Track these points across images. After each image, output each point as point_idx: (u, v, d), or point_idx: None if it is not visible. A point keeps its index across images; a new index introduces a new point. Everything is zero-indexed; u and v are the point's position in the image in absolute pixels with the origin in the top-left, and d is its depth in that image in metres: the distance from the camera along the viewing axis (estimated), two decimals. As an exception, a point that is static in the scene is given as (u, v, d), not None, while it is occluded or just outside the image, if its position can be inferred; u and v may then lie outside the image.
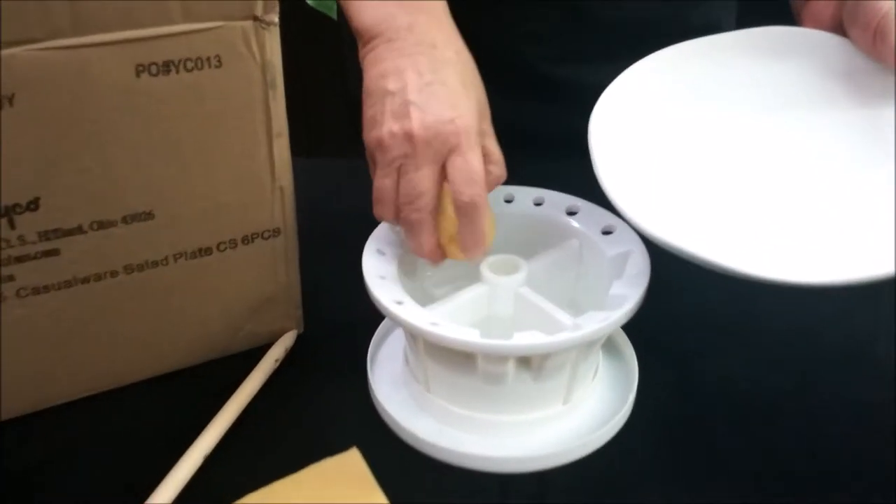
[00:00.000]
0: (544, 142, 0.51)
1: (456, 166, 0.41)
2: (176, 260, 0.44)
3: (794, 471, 0.43)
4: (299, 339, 0.51)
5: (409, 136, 0.41)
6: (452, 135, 0.40)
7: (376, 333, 0.51)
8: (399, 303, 0.43)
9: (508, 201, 0.51)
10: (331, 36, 0.73)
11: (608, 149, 0.45)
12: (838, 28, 0.47)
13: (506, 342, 0.40)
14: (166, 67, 0.38)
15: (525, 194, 0.52)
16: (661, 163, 0.46)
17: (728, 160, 0.46)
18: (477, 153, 0.41)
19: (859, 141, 0.44)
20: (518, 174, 0.52)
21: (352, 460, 0.42)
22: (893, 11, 0.42)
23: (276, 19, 0.39)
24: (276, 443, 0.45)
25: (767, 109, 0.47)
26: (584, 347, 0.43)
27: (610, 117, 0.47)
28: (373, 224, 0.48)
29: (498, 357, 0.41)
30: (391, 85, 0.41)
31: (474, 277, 0.47)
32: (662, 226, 0.41)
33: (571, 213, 0.50)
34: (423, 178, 0.41)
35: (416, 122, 0.40)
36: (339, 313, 0.52)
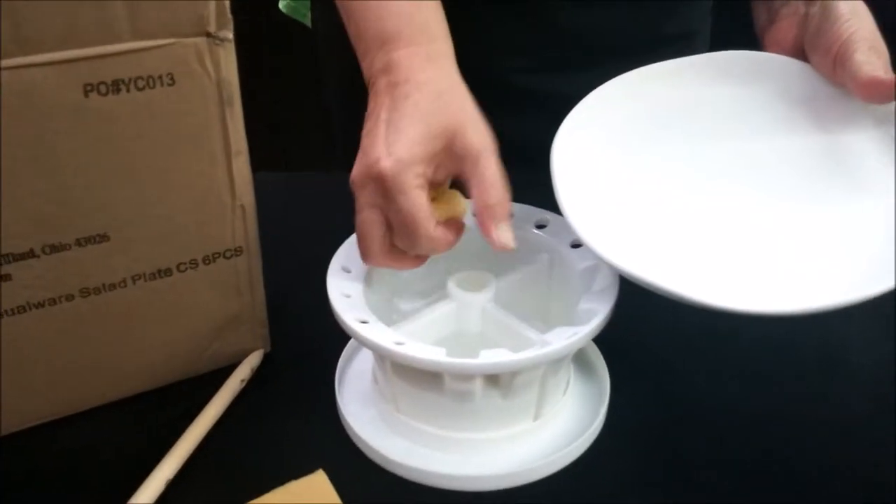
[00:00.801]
0: (516, 153, 0.51)
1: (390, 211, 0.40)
2: (134, 282, 0.43)
3: (766, 482, 0.43)
4: (266, 359, 0.50)
5: (351, 182, 0.40)
6: (378, 178, 0.39)
7: (344, 351, 0.50)
8: (364, 322, 0.42)
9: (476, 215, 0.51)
10: (306, 48, 0.72)
11: (570, 175, 0.45)
12: (800, 53, 0.47)
13: (472, 361, 0.39)
14: (116, 86, 0.37)
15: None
16: (622, 189, 0.46)
17: (687, 187, 0.46)
18: (406, 194, 0.39)
19: (819, 167, 0.44)
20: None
21: (318, 482, 0.42)
22: (854, 37, 0.42)
23: (231, 35, 0.38)
24: (242, 465, 0.44)
25: (729, 135, 0.47)
26: (553, 363, 0.42)
27: (572, 142, 0.46)
28: (342, 241, 0.47)
29: (465, 375, 0.41)
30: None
31: (443, 293, 0.46)
32: (618, 252, 0.41)
33: (541, 227, 0.49)
34: (362, 222, 0.41)
35: (355, 167, 0.40)
36: (308, 331, 0.51)
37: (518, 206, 0.51)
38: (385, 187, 0.39)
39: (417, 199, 0.39)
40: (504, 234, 0.41)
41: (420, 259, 0.44)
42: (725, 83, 0.48)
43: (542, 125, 0.48)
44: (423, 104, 0.40)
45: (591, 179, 0.46)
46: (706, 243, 0.43)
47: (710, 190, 0.45)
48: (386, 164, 0.38)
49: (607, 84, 0.49)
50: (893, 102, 0.43)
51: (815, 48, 0.45)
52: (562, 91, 0.50)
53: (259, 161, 0.71)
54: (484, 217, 0.41)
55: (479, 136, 0.41)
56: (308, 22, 0.74)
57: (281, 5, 0.74)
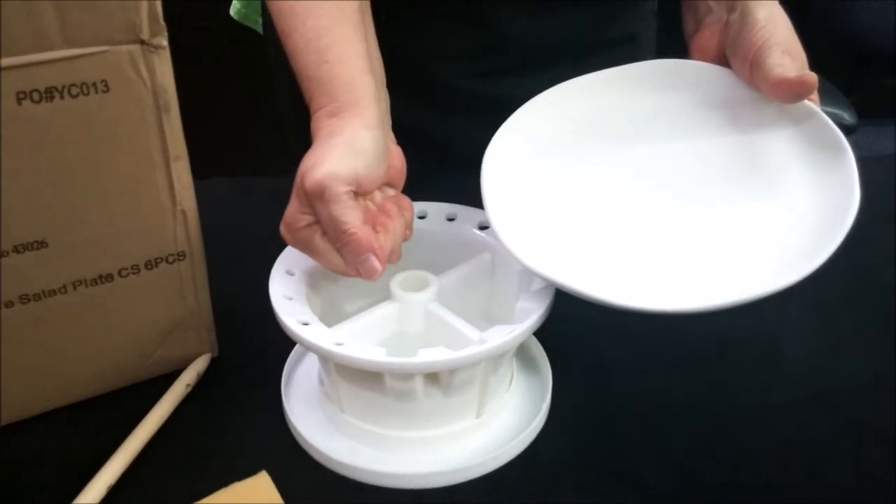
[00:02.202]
0: (461, 156, 0.52)
1: None
2: (75, 288, 0.43)
3: (702, 471, 0.44)
4: (214, 363, 0.51)
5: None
6: (309, 190, 0.42)
7: (292, 354, 0.50)
8: (305, 323, 0.43)
9: (422, 217, 0.51)
10: (259, 53, 0.72)
11: (498, 184, 0.46)
12: (723, 58, 0.48)
13: (410, 359, 0.40)
14: (49, 94, 0.37)
15: (438, 210, 0.52)
16: (547, 196, 0.47)
17: (609, 193, 0.47)
18: (336, 203, 0.42)
19: (735, 168, 0.46)
20: (435, 189, 0.53)
21: (261, 484, 0.42)
22: (769, 42, 0.44)
23: (165, 42, 0.39)
24: (186, 468, 0.44)
25: (651, 140, 0.48)
26: (492, 361, 0.43)
27: (501, 153, 0.48)
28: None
29: (404, 374, 0.41)
30: None
31: (386, 294, 0.47)
32: (540, 258, 0.42)
33: (483, 228, 0.50)
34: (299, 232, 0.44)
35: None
36: (256, 335, 0.52)
37: (462, 208, 0.52)
38: (316, 198, 0.41)
39: (343, 204, 0.41)
40: (365, 265, 0.42)
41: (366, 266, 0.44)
42: (653, 91, 0.49)
43: (487, 129, 0.49)
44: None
45: (518, 187, 0.47)
46: (625, 247, 0.44)
47: (630, 195, 0.47)
48: (316, 175, 0.41)
49: (539, 96, 0.50)
50: (805, 103, 0.44)
51: (734, 54, 0.46)
52: (505, 95, 0.51)
53: (214, 166, 0.72)
54: None
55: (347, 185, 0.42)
56: (259, 28, 0.74)
57: (232, 11, 0.74)
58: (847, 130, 1.05)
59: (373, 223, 0.43)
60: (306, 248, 0.44)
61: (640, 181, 0.47)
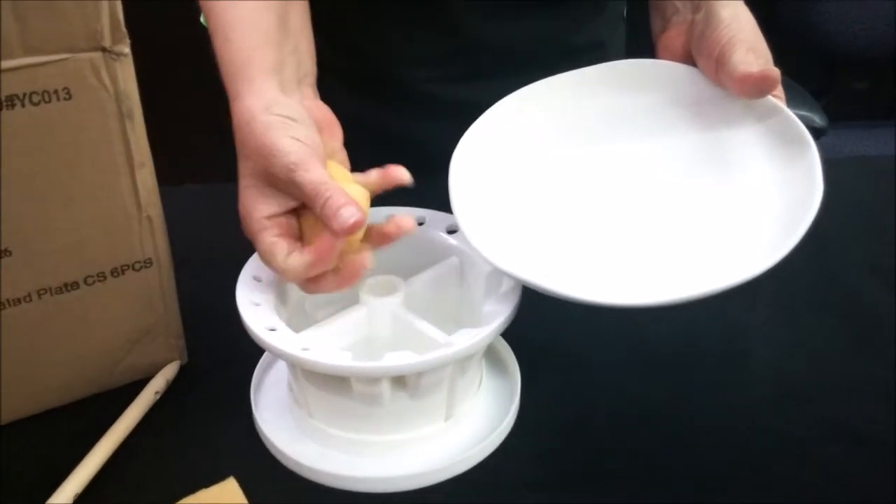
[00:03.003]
0: (430, 160, 0.52)
1: None
2: (40, 296, 0.43)
3: (672, 473, 0.44)
4: (183, 370, 0.51)
5: None
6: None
7: (261, 361, 0.50)
8: (272, 329, 0.43)
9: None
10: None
11: (467, 188, 0.46)
12: (689, 58, 0.49)
13: (375, 363, 0.40)
14: (10, 102, 0.37)
15: (407, 214, 0.52)
16: (516, 197, 0.47)
17: (578, 192, 0.48)
18: (255, 240, 0.43)
19: (703, 164, 0.46)
20: (404, 193, 0.53)
21: (229, 490, 0.42)
22: (733, 40, 0.44)
23: (127, 50, 0.39)
24: (155, 476, 0.44)
25: (621, 140, 0.49)
26: (459, 364, 0.44)
27: (471, 156, 0.48)
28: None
29: (371, 378, 0.42)
30: None
31: (355, 299, 0.47)
32: (509, 258, 0.42)
33: (452, 232, 0.51)
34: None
35: None
36: (226, 342, 0.51)
37: (431, 213, 0.53)
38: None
39: (262, 244, 0.42)
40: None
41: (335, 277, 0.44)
42: (622, 91, 0.50)
43: (457, 133, 0.50)
44: (236, 135, 0.43)
45: (487, 188, 0.47)
46: (594, 244, 0.45)
47: (599, 193, 0.47)
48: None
49: (507, 98, 0.50)
50: (770, 99, 0.45)
51: (700, 52, 0.47)
52: (474, 100, 0.51)
53: (187, 173, 0.71)
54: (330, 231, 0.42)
55: (288, 156, 0.41)
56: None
57: (202, 18, 0.74)
58: (817, 133, 1.07)
59: None
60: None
61: (608, 179, 0.48)
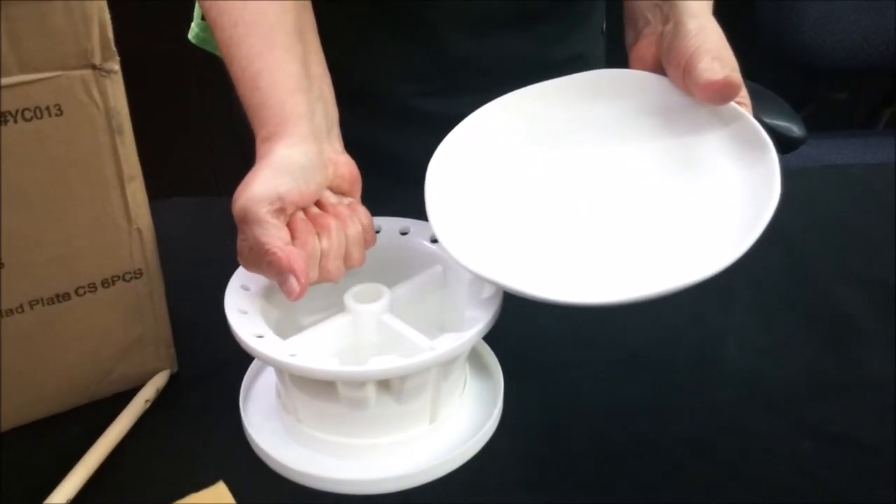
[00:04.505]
0: (412, 173, 0.54)
1: None
2: (32, 307, 0.44)
3: (650, 474, 0.45)
4: (173, 379, 0.52)
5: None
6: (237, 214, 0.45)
7: (250, 368, 0.51)
8: (259, 336, 0.44)
9: (376, 232, 0.53)
10: (220, 76, 0.74)
11: (444, 197, 0.48)
12: (660, 67, 0.50)
13: (361, 368, 0.42)
14: (3, 118, 0.38)
15: (392, 224, 0.54)
16: (493, 206, 0.49)
17: (554, 199, 0.49)
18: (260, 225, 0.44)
19: (671, 170, 0.48)
20: (389, 205, 0.54)
21: (218, 493, 0.43)
22: (699, 49, 0.46)
23: (117, 67, 0.40)
24: (145, 484, 0.45)
25: (594, 147, 0.51)
26: (443, 367, 0.45)
27: (447, 166, 0.50)
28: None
29: (356, 382, 0.43)
30: None
31: (342, 306, 0.49)
32: (485, 264, 0.44)
33: (435, 241, 0.52)
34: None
35: None
36: (215, 350, 0.53)
37: (415, 223, 0.54)
38: (242, 221, 0.44)
39: (265, 227, 0.43)
40: (284, 285, 0.44)
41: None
42: (595, 100, 0.51)
43: (437, 147, 0.51)
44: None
45: (463, 197, 0.49)
46: (567, 248, 0.46)
47: (573, 198, 0.49)
48: (239, 200, 0.43)
49: (482, 108, 0.52)
50: (734, 106, 0.46)
51: (668, 62, 0.48)
52: (455, 114, 0.53)
53: (178, 187, 0.73)
54: None
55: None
56: (217, 52, 0.75)
57: (190, 35, 0.75)
58: (796, 143, 1.09)
59: (317, 228, 0.45)
60: (256, 269, 0.45)
61: (581, 184, 0.50)
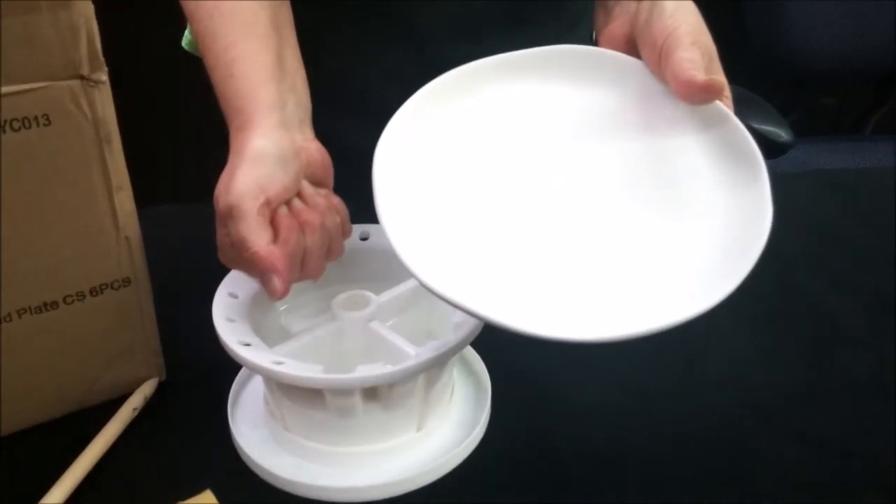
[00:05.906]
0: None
1: None
2: (20, 316, 0.44)
3: (637, 479, 0.46)
4: (162, 387, 0.52)
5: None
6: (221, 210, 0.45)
7: (238, 377, 0.51)
8: (246, 344, 0.44)
9: (364, 239, 0.53)
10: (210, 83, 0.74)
11: (392, 188, 0.42)
12: (632, 49, 0.46)
13: (347, 375, 0.42)
14: (-9, 128, 0.38)
15: (380, 231, 0.53)
16: (443, 203, 0.43)
17: (511, 199, 0.44)
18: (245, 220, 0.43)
19: (648, 181, 0.43)
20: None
21: (206, 502, 0.43)
22: (678, 31, 0.43)
23: (105, 77, 0.40)
24: (133, 492, 0.45)
25: (557, 137, 0.45)
26: (429, 374, 0.45)
27: (396, 150, 0.44)
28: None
29: (343, 390, 0.43)
30: None
31: (330, 314, 0.49)
32: (438, 276, 0.38)
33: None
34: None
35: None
36: (203, 358, 0.53)
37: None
38: (227, 218, 0.43)
39: (250, 224, 0.43)
40: (266, 284, 0.44)
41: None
42: (558, 79, 0.46)
43: None
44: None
45: (414, 195, 0.43)
46: (537, 270, 0.41)
47: (534, 201, 0.43)
48: (225, 197, 0.43)
49: (434, 81, 0.46)
50: (718, 106, 0.42)
51: (643, 43, 0.45)
52: None
53: (166, 193, 0.73)
54: None
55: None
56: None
57: (183, 42, 0.76)
58: (784, 147, 1.10)
59: (301, 224, 0.45)
60: (237, 266, 0.45)
61: (545, 183, 0.44)
